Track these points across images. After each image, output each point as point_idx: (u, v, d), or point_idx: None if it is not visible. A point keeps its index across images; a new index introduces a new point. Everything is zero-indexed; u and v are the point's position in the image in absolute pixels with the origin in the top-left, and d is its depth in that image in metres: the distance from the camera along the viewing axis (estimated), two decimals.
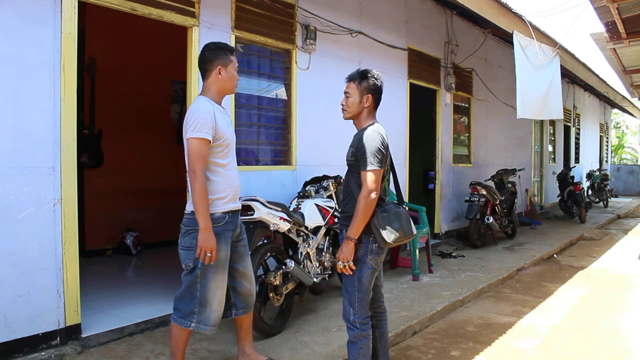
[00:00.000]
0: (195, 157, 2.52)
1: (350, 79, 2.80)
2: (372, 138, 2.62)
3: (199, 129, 2.53)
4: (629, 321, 4.32)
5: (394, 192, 2.99)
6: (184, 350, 2.75)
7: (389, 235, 2.60)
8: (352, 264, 2.62)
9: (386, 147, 2.69)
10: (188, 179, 2.61)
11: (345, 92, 2.79)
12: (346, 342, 2.74)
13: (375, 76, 2.78)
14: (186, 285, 2.67)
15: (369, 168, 2.57)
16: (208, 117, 2.57)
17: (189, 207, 2.69)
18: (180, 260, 2.69)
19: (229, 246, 2.72)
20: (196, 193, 2.53)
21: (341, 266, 2.62)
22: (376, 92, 2.78)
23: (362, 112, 2.76)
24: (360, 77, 2.76)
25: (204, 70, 2.75)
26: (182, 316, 2.65)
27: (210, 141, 2.57)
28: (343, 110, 2.81)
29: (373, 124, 2.73)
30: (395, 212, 2.69)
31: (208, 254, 2.52)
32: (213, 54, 2.73)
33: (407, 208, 5.94)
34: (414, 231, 2.80)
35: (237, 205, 2.81)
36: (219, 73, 2.71)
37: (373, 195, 2.55)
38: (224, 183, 2.69)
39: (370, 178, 2.57)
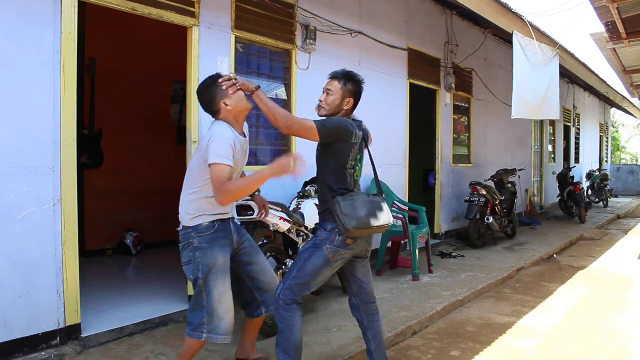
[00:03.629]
0: (220, 182, 2.43)
1: (335, 77, 2.75)
2: (339, 119, 2.67)
3: (224, 156, 2.46)
4: (629, 321, 4.32)
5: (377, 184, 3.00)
6: (192, 357, 2.76)
7: (349, 221, 2.54)
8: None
9: (350, 134, 2.65)
10: (193, 198, 2.62)
11: (327, 90, 2.74)
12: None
13: (361, 80, 2.77)
14: (194, 298, 2.67)
15: (315, 121, 2.58)
16: (229, 145, 2.52)
17: (182, 223, 2.67)
18: (187, 276, 2.70)
19: (226, 252, 2.66)
20: (241, 192, 2.56)
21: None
22: (358, 97, 2.77)
23: (339, 112, 2.73)
24: (346, 78, 2.73)
25: (213, 113, 2.68)
26: (193, 328, 2.63)
27: (232, 167, 2.50)
28: (320, 106, 2.74)
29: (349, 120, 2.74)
30: (364, 201, 2.64)
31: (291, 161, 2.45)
32: (209, 95, 2.65)
33: (407, 208, 5.99)
34: (389, 221, 2.72)
35: (226, 211, 2.71)
36: (226, 105, 2.63)
37: (282, 126, 2.54)
38: (215, 202, 2.59)
39: (303, 120, 2.59)
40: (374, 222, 2.63)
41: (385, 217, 2.70)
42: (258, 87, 2.64)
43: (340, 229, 2.58)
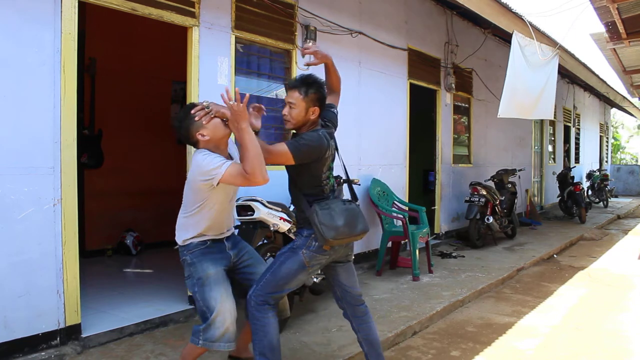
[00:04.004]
0: (240, 179, 2.46)
1: (293, 86, 2.61)
2: (312, 136, 2.56)
3: (220, 166, 2.46)
4: (629, 321, 4.32)
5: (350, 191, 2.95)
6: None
7: (328, 231, 2.52)
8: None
9: (325, 150, 2.59)
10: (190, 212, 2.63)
11: (289, 102, 2.61)
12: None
13: (322, 85, 2.64)
14: (198, 309, 2.69)
15: (287, 145, 2.49)
16: (215, 157, 2.52)
17: (177, 239, 2.72)
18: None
19: (217, 264, 2.67)
20: (258, 161, 2.43)
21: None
22: (323, 103, 2.65)
23: (307, 123, 2.65)
24: (305, 86, 2.59)
25: (193, 144, 2.65)
26: (192, 333, 2.66)
27: (235, 164, 2.51)
28: (285, 120, 2.65)
29: (319, 130, 2.63)
30: (341, 209, 2.59)
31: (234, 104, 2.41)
32: (184, 128, 2.59)
33: (407, 208, 5.99)
34: (366, 228, 2.66)
35: (219, 232, 2.73)
36: (203, 136, 2.57)
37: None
38: (206, 220, 2.63)
39: (276, 148, 2.50)
40: (352, 231, 2.60)
41: (362, 225, 2.65)
42: None
43: (317, 236, 2.56)
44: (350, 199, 2.82)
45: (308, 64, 2.73)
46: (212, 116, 2.53)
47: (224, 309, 2.58)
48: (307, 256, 2.61)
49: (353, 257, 2.90)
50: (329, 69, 2.85)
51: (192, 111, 2.53)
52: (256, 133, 2.58)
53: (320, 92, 2.63)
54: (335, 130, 2.86)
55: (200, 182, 2.52)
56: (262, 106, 2.73)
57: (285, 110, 2.64)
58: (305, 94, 2.59)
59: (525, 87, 6.79)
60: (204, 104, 2.56)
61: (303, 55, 2.77)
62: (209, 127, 2.55)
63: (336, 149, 2.80)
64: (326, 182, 2.69)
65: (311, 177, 2.65)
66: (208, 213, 2.61)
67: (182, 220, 2.70)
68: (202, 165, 2.49)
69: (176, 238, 2.71)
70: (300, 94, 2.59)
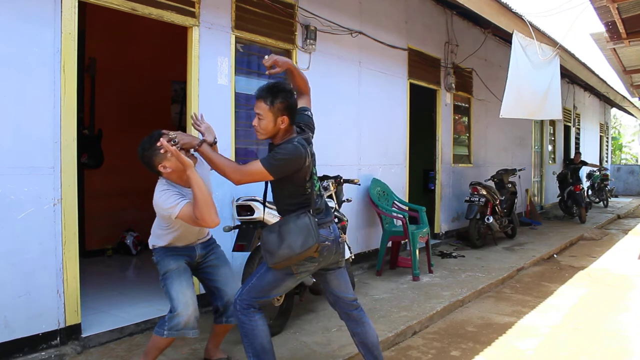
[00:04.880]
0: (194, 217, 2.54)
1: (259, 97, 2.52)
2: (287, 149, 2.50)
3: (175, 205, 2.56)
4: (629, 321, 4.32)
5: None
6: (156, 357, 2.85)
7: (270, 258, 2.54)
8: (171, 146, 2.44)
9: (303, 159, 2.51)
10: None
11: (257, 113, 2.53)
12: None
13: (289, 92, 2.55)
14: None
15: (262, 163, 2.47)
16: (172, 194, 2.61)
17: (149, 243, 2.91)
18: None
19: (179, 260, 2.81)
20: (205, 201, 2.53)
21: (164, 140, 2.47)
22: (292, 111, 2.55)
23: (278, 133, 2.57)
24: (271, 95, 2.49)
25: (157, 173, 2.70)
26: (158, 326, 2.74)
27: (188, 201, 2.60)
28: (256, 131, 2.59)
29: (294, 138, 2.55)
30: (296, 227, 2.51)
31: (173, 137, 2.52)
32: (147, 158, 2.63)
33: (407, 208, 5.99)
34: (315, 242, 2.49)
35: (189, 244, 2.88)
36: (165, 168, 2.61)
37: (234, 180, 2.51)
38: (175, 237, 2.79)
39: (252, 168, 2.49)
40: (297, 250, 2.48)
41: (311, 240, 2.49)
42: (202, 142, 2.55)
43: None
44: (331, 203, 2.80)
45: (270, 73, 2.66)
46: (178, 149, 2.49)
47: (186, 297, 2.69)
48: (296, 264, 2.58)
49: (344, 264, 2.84)
50: (293, 73, 2.78)
51: (158, 143, 2.49)
52: (212, 145, 2.64)
53: (287, 100, 2.52)
54: (313, 133, 2.79)
55: (161, 213, 2.66)
56: (200, 121, 2.76)
57: (255, 122, 2.56)
58: (272, 104, 2.49)
59: (530, 88, 6.78)
60: (171, 135, 2.53)
61: (267, 72, 2.68)
62: (172, 159, 2.56)
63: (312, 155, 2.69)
64: (311, 189, 2.62)
65: (295, 187, 2.59)
66: (176, 232, 2.77)
67: (154, 228, 2.86)
68: (159, 203, 2.62)
69: (149, 241, 2.89)
70: (267, 104, 2.50)
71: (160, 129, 2.74)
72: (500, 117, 6.62)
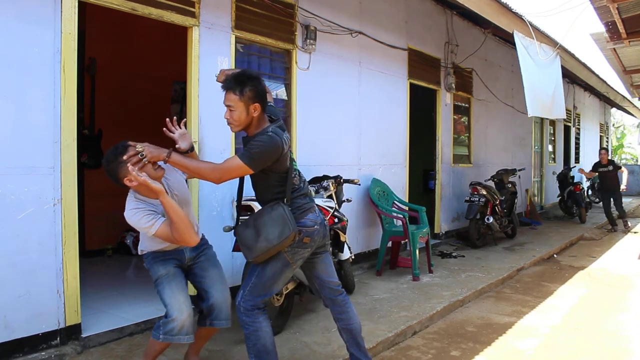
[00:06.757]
0: (171, 234, 2.53)
1: (228, 88, 2.46)
2: (262, 140, 2.46)
3: (148, 224, 2.51)
4: (629, 321, 4.32)
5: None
6: (156, 357, 2.84)
7: (248, 253, 2.57)
8: (139, 159, 2.38)
9: (281, 147, 2.49)
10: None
11: (227, 106, 2.47)
12: None
13: (256, 79, 2.50)
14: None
15: (241, 158, 2.43)
16: (143, 213, 2.53)
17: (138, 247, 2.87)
18: None
19: (167, 264, 2.77)
20: (178, 220, 2.50)
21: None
22: (263, 97, 2.50)
23: (251, 122, 2.52)
24: (239, 85, 2.43)
25: (123, 186, 2.54)
26: (154, 329, 2.74)
27: (162, 220, 2.56)
28: (229, 124, 2.53)
29: (268, 128, 2.52)
30: (270, 219, 2.52)
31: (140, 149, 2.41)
32: (112, 171, 2.49)
33: (407, 208, 5.99)
34: (289, 232, 2.50)
35: (176, 248, 2.81)
36: (131, 181, 2.41)
37: (214, 180, 2.47)
38: (160, 243, 2.75)
39: (230, 164, 2.44)
40: (274, 242, 2.50)
41: (287, 230, 2.50)
42: (170, 152, 2.44)
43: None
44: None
45: (220, 81, 2.63)
46: (145, 162, 2.43)
47: (179, 302, 2.67)
48: (290, 252, 2.60)
49: (329, 247, 2.87)
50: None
51: (124, 157, 2.40)
52: (188, 152, 2.58)
53: (256, 87, 2.47)
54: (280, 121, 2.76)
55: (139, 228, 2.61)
56: (174, 127, 2.64)
57: (227, 114, 2.50)
58: (241, 94, 2.44)
59: (541, 87, 6.80)
60: (138, 148, 2.42)
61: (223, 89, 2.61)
62: (138, 178, 2.42)
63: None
64: (297, 174, 2.67)
65: (279, 175, 2.59)
66: (160, 240, 2.73)
67: (141, 235, 2.81)
68: (133, 221, 2.53)
69: (138, 246, 2.87)
70: (236, 94, 2.44)
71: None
72: (529, 116, 6.64)
